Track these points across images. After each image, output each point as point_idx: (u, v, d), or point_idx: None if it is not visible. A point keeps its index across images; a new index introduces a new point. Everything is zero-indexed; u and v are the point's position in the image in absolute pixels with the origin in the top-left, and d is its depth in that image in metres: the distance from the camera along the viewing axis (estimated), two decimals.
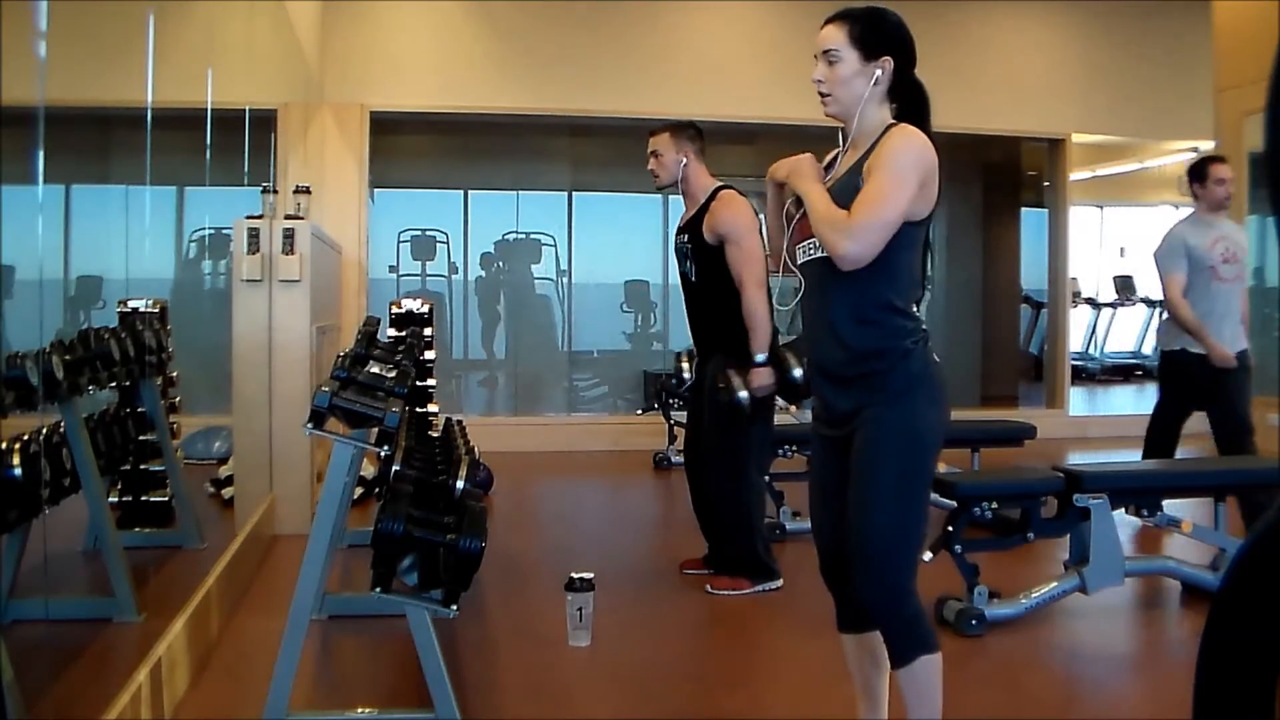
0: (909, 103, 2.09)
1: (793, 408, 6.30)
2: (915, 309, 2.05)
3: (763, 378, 3.47)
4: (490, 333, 8.72)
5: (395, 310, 4.37)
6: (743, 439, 3.62)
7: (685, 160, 3.61)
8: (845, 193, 1.99)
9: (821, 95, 2.08)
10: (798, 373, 3.49)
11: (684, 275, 3.70)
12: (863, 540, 1.97)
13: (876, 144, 2.00)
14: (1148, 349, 11.85)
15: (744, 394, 3.45)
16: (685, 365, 3.83)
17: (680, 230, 3.69)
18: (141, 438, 3.70)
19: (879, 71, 2.03)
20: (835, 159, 2.16)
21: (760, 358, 3.45)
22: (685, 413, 4.13)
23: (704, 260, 3.56)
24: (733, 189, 3.59)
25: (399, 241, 8.39)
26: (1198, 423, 7.99)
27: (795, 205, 2.11)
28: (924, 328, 2.06)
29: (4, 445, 2.34)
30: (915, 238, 2.02)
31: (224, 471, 4.74)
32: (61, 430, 2.79)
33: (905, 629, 1.98)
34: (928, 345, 2.05)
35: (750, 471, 3.67)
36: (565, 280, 8.39)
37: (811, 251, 2.05)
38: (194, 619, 2.83)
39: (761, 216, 3.72)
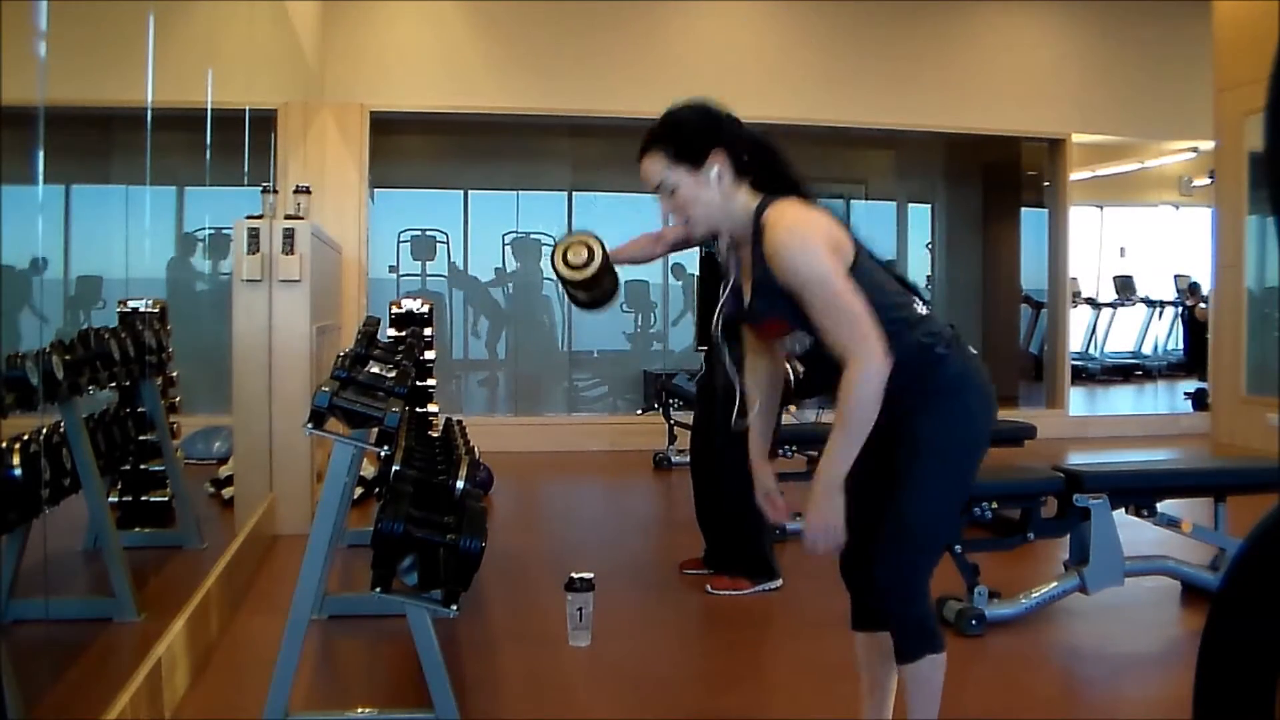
0: (757, 166, 1.99)
1: (792, 408, 6.31)
2: (922, 313, 1.98)
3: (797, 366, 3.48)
4: (490, 333, 8.73)
5: (395, 310, 4.37)
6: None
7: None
8: (768, 292, 1.93)
9: (684, 225, 2.02)
10: (799, 370, 3.48)
11: (707, 280, 3.72)
12: (891, 534, 1.97)
13: (759, 234, 1.92)
14: (1147, 349, 11.87)
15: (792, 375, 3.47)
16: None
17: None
18: (141, 438, 3.70)
19: (715, 169, 1.95)
20: (724, 247, 2.07)
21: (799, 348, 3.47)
22: (688, 412, 4.12)
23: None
24: None
25: (399, 241, 8.40)
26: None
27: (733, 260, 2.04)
28: (947, 328, 2.00)
29: (4, 445, 2.34)
30: (860, 280, 1.90)
31: (224, 471, 4.75)
32: (61, 430, 2.79)
33: (916, 626, 1.98)
34: (960, 344, 2.00)
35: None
36: None
37: (805, 344, 1.99)
38: (194, 619, 2.83)
39: None
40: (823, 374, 1.95)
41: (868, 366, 1.82)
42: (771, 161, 2.00)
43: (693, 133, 1.99)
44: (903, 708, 2.06)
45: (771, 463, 2.26)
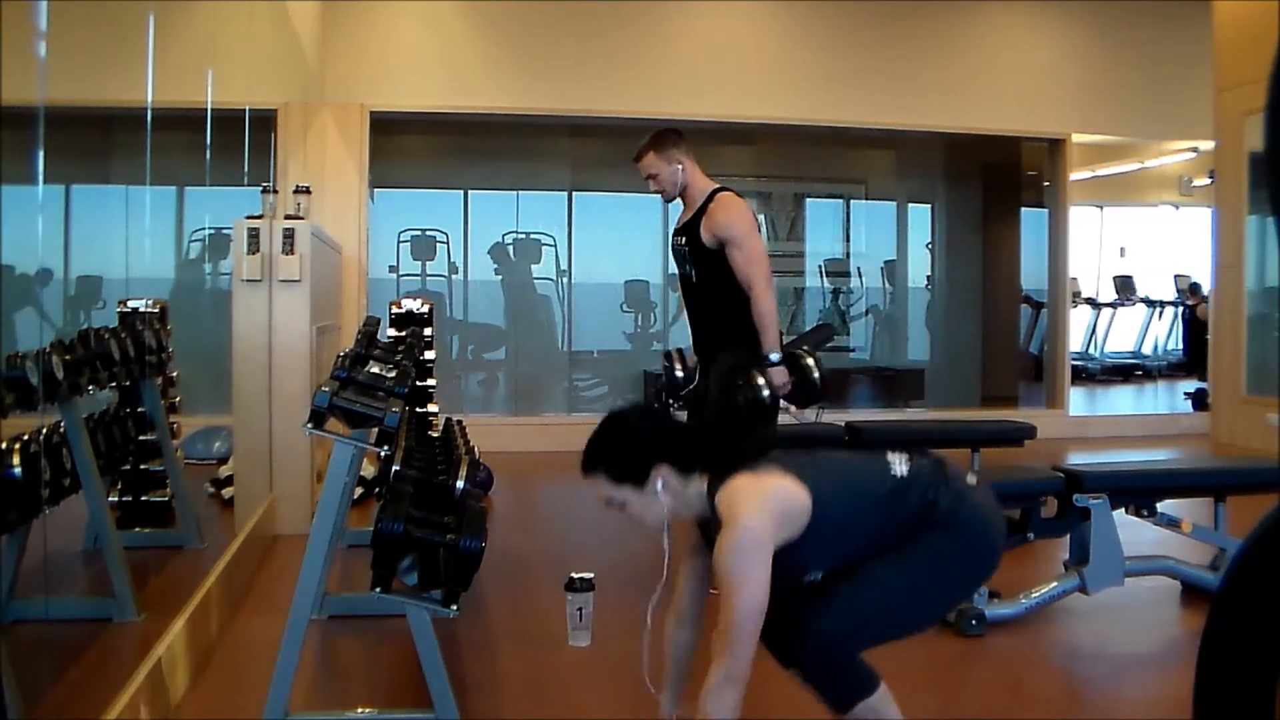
0: (707, 455, 1.99)
1: (792, 408, 6.30)
2: (901, 475, 1.97)
3: (781, 375, 3.43)
4: (490, 332, 8.74)
5: (395, 310, 4.37)
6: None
7: (682, 166, 3.56)
8: None
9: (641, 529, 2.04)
10: (816, 375, 3.44)
11: (684, 278, 3.67)
12: (839, 605, 1.91)
13: (719, 518, 1.92)
14: (1147, 349, 11.87)
15: (766, 391, 3.42)
16: (676, 365, 3.77)
17: (678, 232, 3.65)
18: (141, 438, 3.71)
19: (659, 483, 1.96)
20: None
21: (775, 357, 3.41)
22: (685, 414, 4.11)
23: (705, 263, 3.52)
24: (729, 190, 3.55)
25: (399, 241, 8.40)
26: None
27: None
28: (932, 473, 1.99)
29: (4, 445, 2.34)
30: (825, 514, 1.90)
31: (224, 471, 4.75)
32: (61, 430, 2.79)
33: (839, 681, 1.93)
34: (949, 484, 1.98)
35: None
36: (565, 280, 8.39)
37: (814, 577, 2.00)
38: (194, 619, 2.83)
39: (761, 217, 3.72)
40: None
41: (718, 671, 1.83)
42: (719, 443, 2.01)
43: (631, 455, 2.00)
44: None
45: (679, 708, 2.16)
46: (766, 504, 1.88)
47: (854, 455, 2.08)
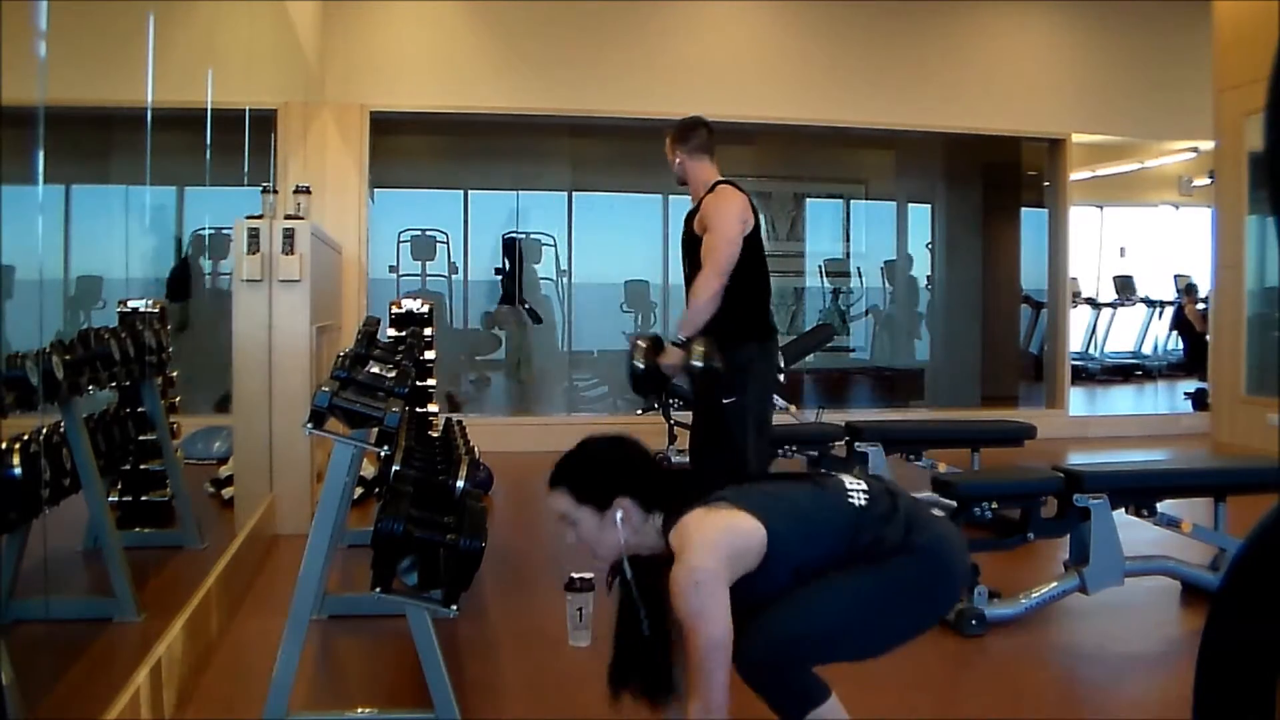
0: (668, 497, 2.00)
1: (792, 407, 6.31)
2: (860, 505, 1.97)
3: (671, 356, 3.48)
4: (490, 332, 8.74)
5: (395, 310, 4.37)
6: (741, 439, 3.61)
7: (679, 160, 3.67)
8: None
9: (592, 556, 2.06)
10: (698, 363, 3.45)
11: (686, 270, 3.74)
12: (787, 615, 1.90)
13: (672, 556, 1.92)
14: (1147, 349, 11.86)
15: (640, 364, 3.49)
16: (636, 355, 3.75)
17: (685, 223, 3.74)
18: (141, 438, 3.71)
19: (619, 513, 1.98)
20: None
21: (680, 338, 3.47)
22: (688, 412, 4.12)
23: (695, 252, 3.59)
24: (730, 184, 3.61)
25: (399, 241, 8.40)
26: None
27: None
28: (891, 507, 1.98)
29: (4, 445, 2.34)
30: (781, 547, 1.90)
31: (224, 471, 4.75)
32: (61, 430, 2.79)
33: (787, 692, 1.91)
34: (913, 518, 1.97)
35: (751, 471, 3.67)
36: (565, 280, 8.39)
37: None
38: (194, 619, 2.83)
39: (761, 217, 3.73)
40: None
41: (693, 709, 1.85)
42: (675, 487, 2.02)
43: (598, 478, 2.02)
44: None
45: None
46: (717, 538, 1.88)
47: (812, 486, 2.05)
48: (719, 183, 3.61)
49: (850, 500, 1.97)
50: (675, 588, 1.86)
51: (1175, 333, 11.36)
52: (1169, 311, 11.55)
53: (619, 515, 1.98)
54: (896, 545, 1.93)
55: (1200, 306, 10.04)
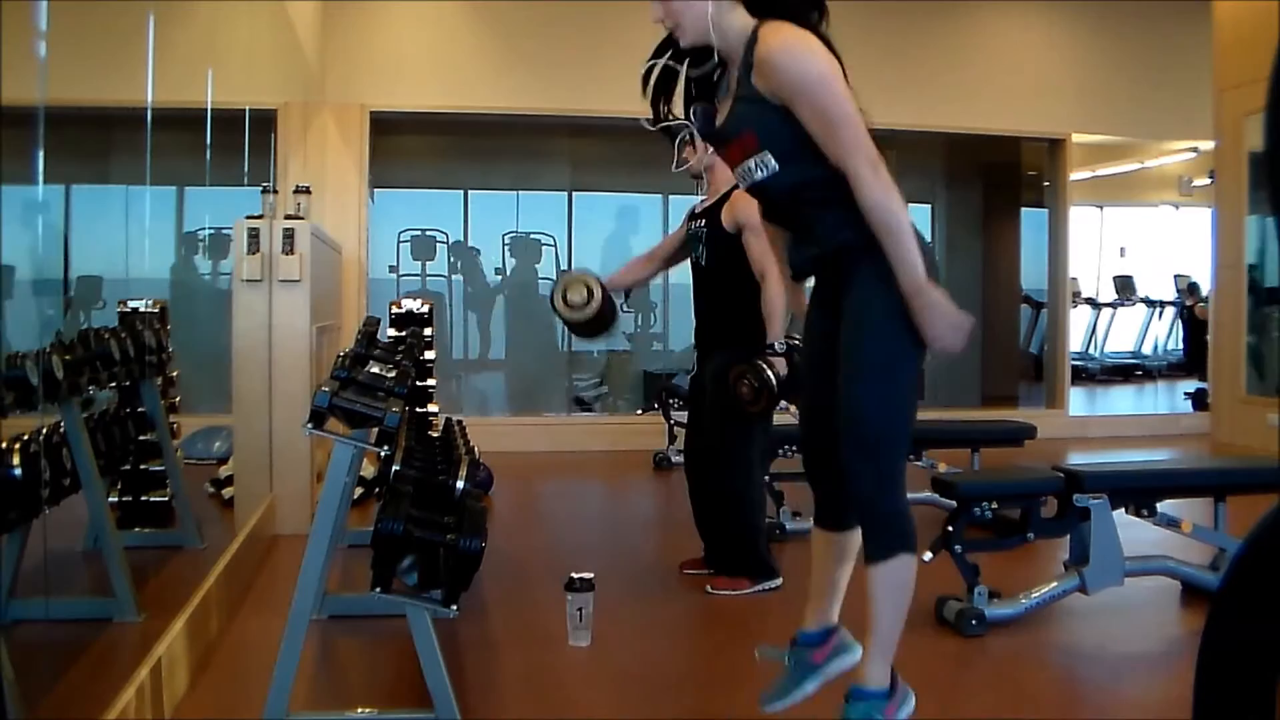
0: None
1: (792, 407, 6.31)
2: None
3: (783, 365, 3.47)
4: (490, 333, 8.73)
5: (395, 310, 4.37)
6: (748, 437, 3.62)
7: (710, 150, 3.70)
8: (748, 105, 1.93)
9: (671, 32, 2.00)
10: (780, 371, 3.46)
11: (693, 263, 3.73)
12: (855, 441, 1.91)
13: (751, 57, 1.90)
14: (1147, 349, 11.86)
15: (774, 378, 3.44)
16: (558, 296, 3.65)
17: (696, 215, 3.72)
18: (141, 438, 3.70)
19: None
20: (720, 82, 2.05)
21: (779, 345, 3.46)
22: (685, 413, 4.13)
23: (718, 247, 3.60)
24: None
25: (399, 241, 8.40)
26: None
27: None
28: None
29: (4, 445, 2.34)
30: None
31: (224, 471, 4.75)
32: (61, 430, 2.79)
33: (890, 522, 1.93)
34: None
35: (755, 470, 3.68)
36: None
37: (766, 170, 1.97)
38: (194, 619, 2.83)
39: None
40: (802, 249, 1.96)
41: (875, 183, 1.83)
42: None
43: None
44: (853, 614, 2.01)
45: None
46: (819, 45, 1.88)
47: None
48: None
49: None
50: (775, 46, 1.85)
51: (1182, 332, 11.35)
52: (1169, 311, 11.55)
53: None
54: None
55: (1201, 305, 10.04)
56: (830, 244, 1.97)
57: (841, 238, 1.94)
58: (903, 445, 1.97)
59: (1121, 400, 10.52)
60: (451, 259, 8.55)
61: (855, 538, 2.04)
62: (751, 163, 1.98)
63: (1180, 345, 11.53)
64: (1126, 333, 11.73)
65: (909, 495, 2.06)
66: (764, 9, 1.94)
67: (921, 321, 1.87)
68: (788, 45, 1.85)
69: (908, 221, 1.85)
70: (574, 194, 8.34)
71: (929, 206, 9.57)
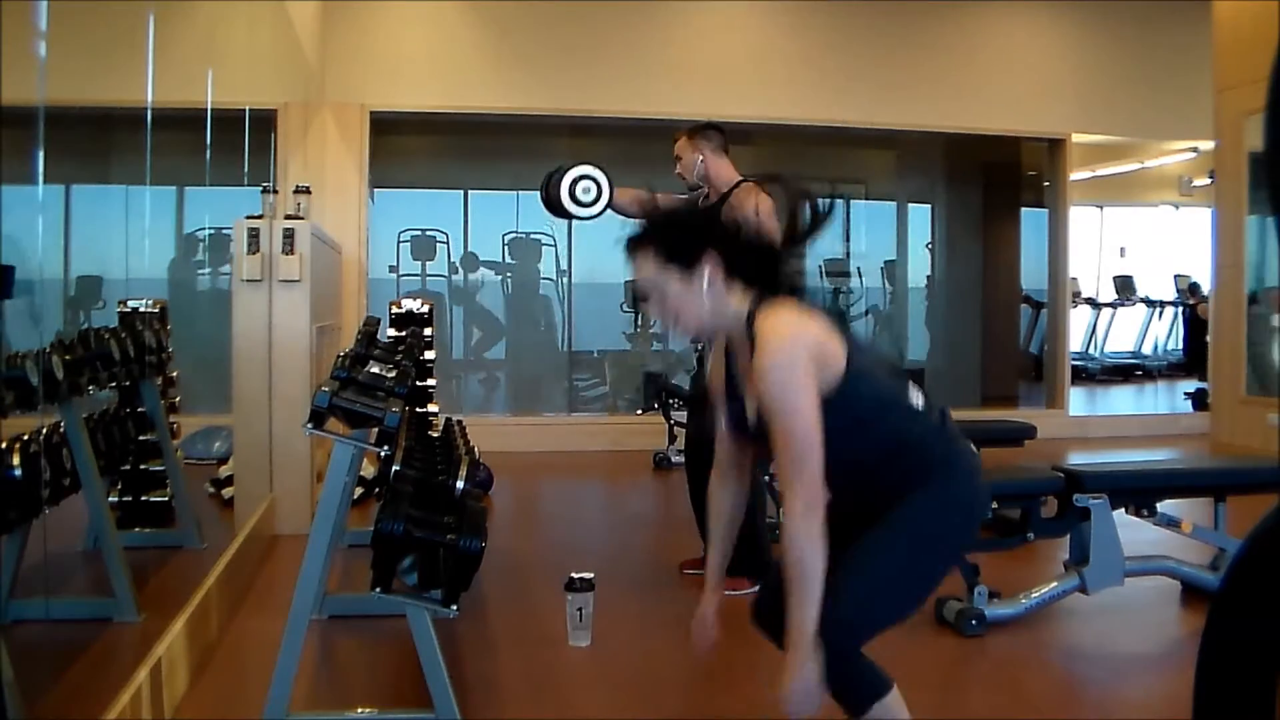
0: (750, 267, 1.92)
1: None
2: (915, 406, 1.94)
3: None
4: (490, 333, 8.73)
5: (395, 310, 4.37)
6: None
7: (702, 158, 3.75)
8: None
9: (673, 327, 1.98)
10: None
11: None
12: (847, 589, 1.83)
13: (753, 342, 1.86)
14: (1147, 349, 11.87)
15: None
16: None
17: None
18: (141, 438, 3.71)
19: (705, 271, 1.88)
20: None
21: None
22: (685, 412, 4.13)
23: None
24: (753, 182, 3.66)
25: (399, 241, 8.40)
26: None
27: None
28: (936, 418, 1.96)
29: (4, 445, 2.34)
30: (857, 387, 1.85)
31: (224, 471, 4.75)
32: (61, 430, 2.79)
33: (855, 684, 1.88)
34: (949, 433, 1.96)
35: (756, 471, 3.69)
36: (565, 280, 8.39)
37: None
38: (194, 619, 2.83)
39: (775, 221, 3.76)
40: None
41: (802, 524, 1.76)
42: (765, 262, 1.94)
43: (685, 233, 1.93)
44: None
45: (718, 594, 2.21)
46: (806, 340, 1.82)
47: (890, 366, 2.05)
48: (743, 180, 3.69)
49: (910, 398, 1.95)
50: (763, 373, 1.79)
51: (1183, 332, 11.35)
52: (1169, 311, 11.56)
53: (706, 275, 1.89)
54: (940, 457, 1.92)
55: (1203, 304, 10.04)
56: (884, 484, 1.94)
57: (886, 480, 1.92)
58: (874, 632, 1.90)
59: (1121, 400, 10.52)
60: (451, 259, 8.55)
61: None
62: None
63: (1180, 345, 11.54)
64: (1126, 333, 11.74)
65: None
66: (758, 285, 1.92)
67: (788, 678, 1.81)
68: (776, 365, 1.80)
69: (820, 572, 1.77)
70: None
71: (929, 206, 9.58)
